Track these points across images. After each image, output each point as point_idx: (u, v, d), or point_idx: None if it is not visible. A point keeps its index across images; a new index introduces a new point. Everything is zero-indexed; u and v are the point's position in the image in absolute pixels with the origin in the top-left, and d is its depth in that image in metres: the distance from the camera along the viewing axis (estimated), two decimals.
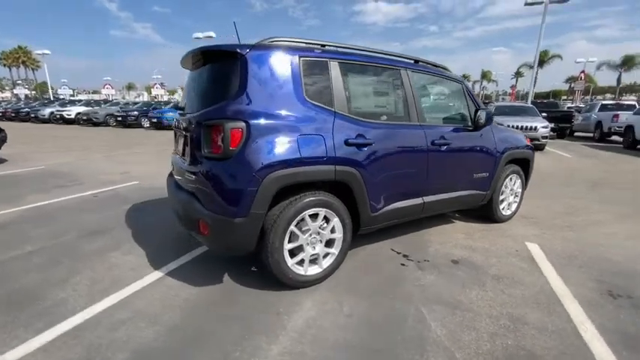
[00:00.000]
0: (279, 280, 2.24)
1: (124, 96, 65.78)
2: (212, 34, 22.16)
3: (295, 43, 2.30)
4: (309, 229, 2.25)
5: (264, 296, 2.23)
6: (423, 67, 2.94)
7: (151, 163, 7.13)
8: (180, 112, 2.65)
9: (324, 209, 2.27)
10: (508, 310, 2.13)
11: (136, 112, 17.34)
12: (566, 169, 7.12)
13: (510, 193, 3.78)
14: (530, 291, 2.36)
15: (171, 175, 2.85)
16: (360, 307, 2.13)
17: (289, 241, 2.19)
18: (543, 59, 41.46)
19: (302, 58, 2.19)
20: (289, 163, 2.04)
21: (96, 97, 46.59)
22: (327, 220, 2.33)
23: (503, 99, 61.05)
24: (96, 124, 18.01)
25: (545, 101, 24.49)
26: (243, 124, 1.94)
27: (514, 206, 3.88)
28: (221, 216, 1.98)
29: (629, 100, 21.23)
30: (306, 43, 2.37)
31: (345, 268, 2.57)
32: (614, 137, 12.79)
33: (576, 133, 15.12)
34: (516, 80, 59.97)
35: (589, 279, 2.53)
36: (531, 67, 43.82)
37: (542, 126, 9.74)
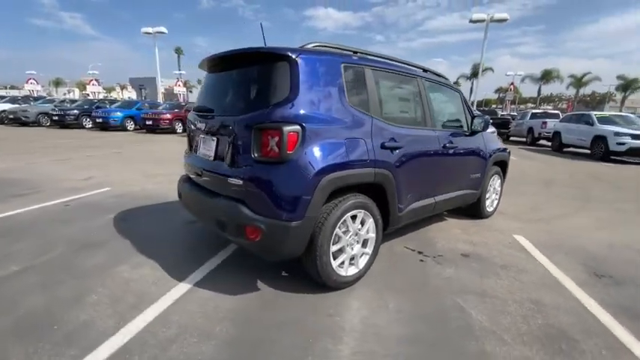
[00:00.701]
0: (323, 283, 2.25)
1: (50, 92, 58.32)
2: (163, 29, 20.73)
3: (335, 49, 2.34)
4: (349, 231, 2.30)
5: (308, 299, 2.23)
6: (430, 75, 3.18)
7: (112, 168, 6.50)
8: (201, 113, 2.53)
9: (363, 210, 2.34)
10: (526, 294, 2.40)
11: (75, 111, 15.57)
12: (518, 170, 8.03)
13: (493, 191, 4.21)
14: (535, 277, 2.69)
15: (188, 180, 2.69)
16: (404, 303, 2.23)
17: (333, 243, 2.22)
18: (477, 71, 46.16)
19: (343, 64, 2.25)
20: (341, 166, 2.08)
21: (14, 92, 40.72)
22: (362, 221, 2.40)
23: None
24: (25, 124, 15.76)
25: (486, 109, 27.25)
26: (299, 128, 1.93)
27: (495, 203, 4.33)
28: (276, 220, 1.95)
29: (547, 108, 24.72)
30: (341, 49, 2.43)
31: (374, 267, 2.66)
32: (543, 141, 14.78)
33: (511, 138, 17.09)
34: None
35: (576, 264, 2.95)
36: (468, 77, 48.54)
37: (491, 131, 10.89)
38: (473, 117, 3.48)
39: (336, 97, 2.16)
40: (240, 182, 2.03)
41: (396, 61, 2.85)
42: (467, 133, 3.48)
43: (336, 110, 2.15)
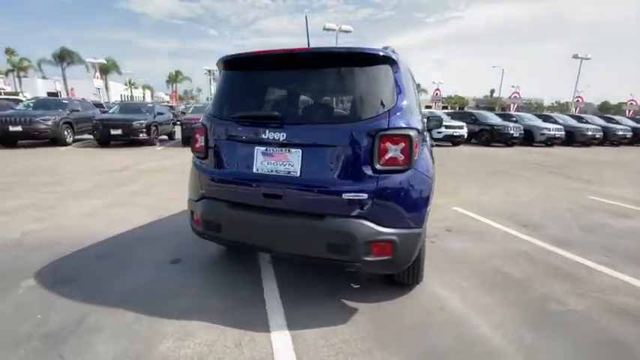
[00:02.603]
0: (411, 284, 2.34)
1: None
2: None
3: None
4: None
5: (407, 301, 2.27)
6: None
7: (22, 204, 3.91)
8: (255, 120, 2.07)
9: None
10: (511, 247, 3.25)
11: None
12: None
13: None
14: (501, 234, 3.64)
15: (235, 205, 2.09)
16: (471, 279, 2.60)
17: None
18: None
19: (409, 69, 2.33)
20: (431, 167, 2.19)
21: None
22: None
23: None
24: None
25: None
26: (417, 133, 1.92)
27: None
28: (408, 230, 1.89)
29: None
30: None
31: None
32: None
33: None
34: None
35: (507, 221, 4.12)
36: None
37: None
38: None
39: (416, 101, 2.24)
40: (365, 196, 1.83)
41: None
42: None
43: (417, 113, 2.22)
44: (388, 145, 1.84)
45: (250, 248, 2.33)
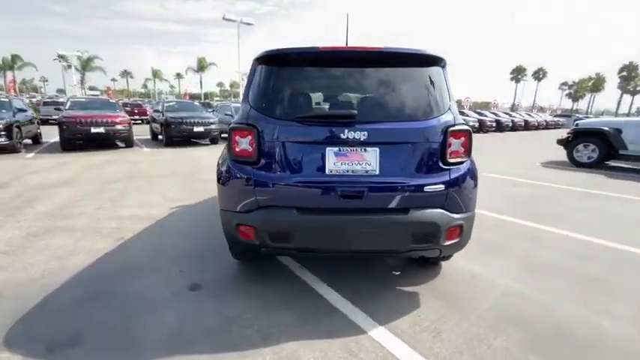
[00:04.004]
0: (438, 265, 2.66)
1: None
2: None
3: None
4: None
5: (462, 277, 2.56)
6: None
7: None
8: (328, 119, 2.00)
9: None
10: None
11: None
12: None
13: None
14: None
15: (313, 210, 1.96)
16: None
17: None
18: (204, 65, 48.27)
19: None
20: None
21: None
22: None
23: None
24: None
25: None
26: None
27: None
28: (469, 213, 2.14)
29: None
30: None
31: None
32: None
33: None
34: (178, 81, 64.84)
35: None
36: (196, 71, 49.55)
37: None
38: None
39: None
40: (442, 187, 1.99)
41: None
42: None
43: None
44: (454, 139, 2.06)
45: (322, 253, 2.19)
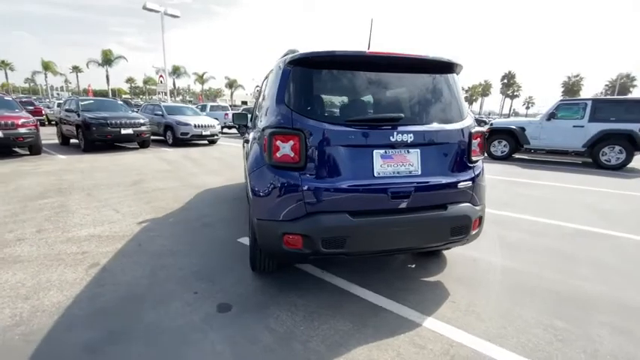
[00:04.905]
0: (441, 255, 2.93)
1: None
2: None
3: None
4: None
5: (465, 264, 2.83)
6: None
7: None
8: (377, 122, 2.04)
9: None
10: None
11: None
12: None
13: None
14: None
15: (365, 213, 1.97)
16: None
17: None
18: (110, 58, 42.08)
19: None
20: None
21: None
22: None
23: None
24: None
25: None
26: None
27: None
28: (483, 205, 2.39)
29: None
30: None
31: None
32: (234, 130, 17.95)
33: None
34: (77, 76, 55.85)
35: None
36: (100, 64, 43.03)
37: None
38: None
39: None
40: (470, 183, 2.20)
41: None
42: None
43: None
44: (475, 140, 2.29)
45: (372, 254, 2.19)
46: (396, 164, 2.05)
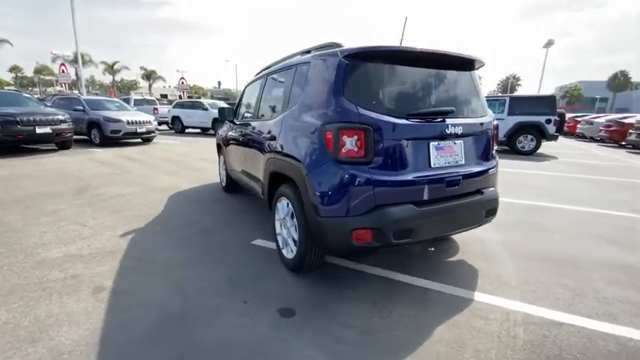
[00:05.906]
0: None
1: None
2: None
3: None
4: None
5: (474, 246, 3.13)
6: None
7: None
8: (430, 116, 2.13)
9: None
10: None
11: None
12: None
13: None
14: None
15: (425, 202, 2.07)
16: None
17: None
18: None
19: None
20: None
21: None
22: None
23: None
24: None
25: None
26: None
27: None
28: (496, 188, 2.72)
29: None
30: None
31: None
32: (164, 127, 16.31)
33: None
34: None
35: None
36: None
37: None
38: None
39: None
40: (495, 170, 2.49)
41: None
42: None
43: None
44: (495, 131, 2.58)
45: (429, 240, 2.28)
46: (447, 155, 2.20)
